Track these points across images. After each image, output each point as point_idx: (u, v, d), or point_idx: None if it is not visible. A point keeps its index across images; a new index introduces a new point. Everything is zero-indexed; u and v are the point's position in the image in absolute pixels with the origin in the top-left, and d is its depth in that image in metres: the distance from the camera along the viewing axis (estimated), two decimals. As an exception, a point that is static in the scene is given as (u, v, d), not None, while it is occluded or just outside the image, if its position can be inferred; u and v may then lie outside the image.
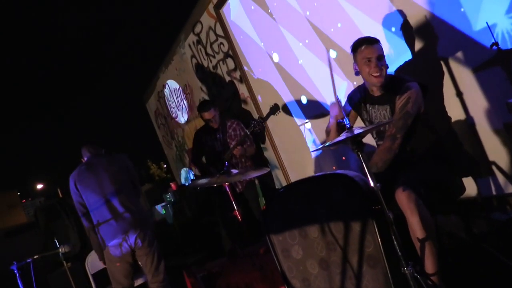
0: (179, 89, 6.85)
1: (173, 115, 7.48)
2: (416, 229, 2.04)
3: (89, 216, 3.52)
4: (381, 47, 2.45)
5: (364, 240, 1.77)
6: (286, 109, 4.34)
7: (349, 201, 1.86)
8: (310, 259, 2.00)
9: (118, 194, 3.50)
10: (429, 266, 2.06)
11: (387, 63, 2.47)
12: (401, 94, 2.36)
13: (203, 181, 3.12)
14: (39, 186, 46.80)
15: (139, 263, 3.60)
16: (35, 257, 3.46)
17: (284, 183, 4.72)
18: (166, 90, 7.35)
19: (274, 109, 4.25)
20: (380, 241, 1.75)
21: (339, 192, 1.88)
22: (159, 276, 3.57)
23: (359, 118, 2.77)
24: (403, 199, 2.05)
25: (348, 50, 2.83)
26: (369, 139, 2.97)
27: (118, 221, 3.43)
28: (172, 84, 7.04)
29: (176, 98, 7.10)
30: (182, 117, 7.10)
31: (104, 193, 3.48)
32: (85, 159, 3.69)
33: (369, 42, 2.44)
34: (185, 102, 6.80)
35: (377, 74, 2.41)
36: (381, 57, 2.42)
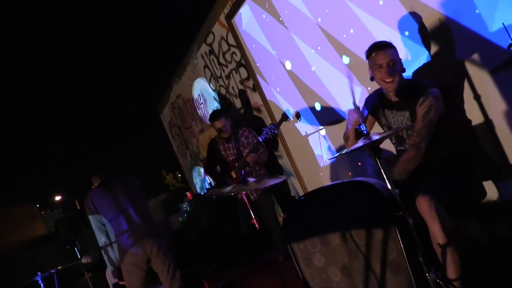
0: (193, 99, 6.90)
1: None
2: (438, 236, 2.02)
3: (105, 232, 3.65)
4: (394, 52, 2.43)
5: (387, 247, 1.76)
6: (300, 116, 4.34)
7: (370, 208, 1.85)
8: (332, 266, 1.99)
9: (133, 207, 3.68)
10: (452, 272, 2.04)
11: (403, 67, 2.46)
12: (423, 101, 2.33)
13: (220, 190, 3.13)
14: (57, 198, 47.43)
15: (156, 271, 3.69)
16: (59, 267, 3.55)
17: (300, 191, 4.71)
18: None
19: (286, 116, 4.26)
20: (403, 248, 1.74)
21: (360, 200, 1.88)
22: (175, 284, 3.66)
23: (376, 123, 2.75)
24: (424, 206, 2.03)
25: (362, 55, 2.83)
26: (385, 144, 2.95)
27: (134, 230, 3.57)
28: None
29: (189, 108, 7.16)
30: (197, 127, 7.15)
31: (120, 206, 3.65)
32: (97, 183, 3.84)
33: (380, 48, 2.43)
34: (198, 112, 6.84)
35: (388, 80, 2.40)
36: (393, 63, 2.39)
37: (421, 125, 2.32)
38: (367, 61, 2.53)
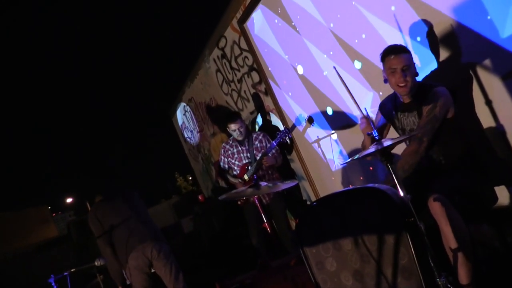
0: (204, 103, 6.96)
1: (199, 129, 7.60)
2: (450, 238, 2.02)
3: (109, 243, 3.80)
4: (409, 56, 2.46)
5: (398, 252, 1.78)
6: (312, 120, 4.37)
7: (382, 215, 1.87)
8: (344, 271, 2.02)
9: (133, 214, 3.85)
10: (463, 276, 2.03)
11: (416, 71, 2.49)
12: (429, 100, 2.37)
13: (232, 194, 3.16)
14: (69, 200, 47.88)
15: (159, 274, 3.79)
16: (72, 270, 3.62)
17: (312, 195, 4.73)
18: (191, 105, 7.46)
19: (298, 122, 4.30)
20: (414, 253, 1.76)
21: (372, 206, 1.90)
22: (179, 285, 3.74)
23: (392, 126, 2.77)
24: (436, 207, 2.04)
25: (373, 60, 2.85)
26: (397, 149, 2.96)
27: (135, 234, 3.72)
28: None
29: (201, 112, 7.22)
30: (209, 131, 7.20)
31: (121, 213, 3.83)
32: (99, 199, 4.06)
33: (395, 52, 2.45)
34: (210, 115, 6.89)
35: (401, 85, 2.44)
36: (407, 67, 2.42)
37: (425, 120, 2.35)
38: (382, 63, 2.55)
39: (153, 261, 3.69)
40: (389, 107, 2.70)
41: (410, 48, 2.97)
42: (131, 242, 3.67)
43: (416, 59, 2.98)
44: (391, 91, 2.67)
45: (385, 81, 2.56)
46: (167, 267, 3.70)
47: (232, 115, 4.43)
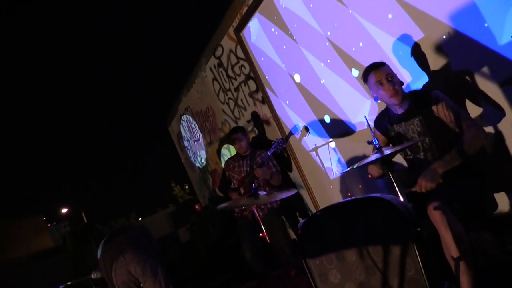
0: (201, 111, 6.95)
1: (196, 137, 7.58)
2: (450, 245, 2.01)
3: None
4: (389, 68, 2.56)
5: (405, 263, 1.76)
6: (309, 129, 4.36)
7: (387, 225, 1.85)
8: (349, 283, 1.99)
9: (125, 232, 3.85)
10: (465, 284, 2.02)
11: (400, 80, 2.55)
12: (436, 102, 2.40)
13: (230, 204, 3.15)
14: (64, 210, 47.48)
15: None
16: (68, 283, 3.58)
17: (310, 203, 4.70)
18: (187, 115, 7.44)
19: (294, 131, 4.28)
20: (421, 265, 1.74)
21: (377, 216, 1.88)
22: None
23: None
24: (436, 214, 2.03)
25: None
26: (397, 158, 2.96)
27: (122, 250, 3.67)
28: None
29: (198, 121, 7.20)
30: (205, 140, 7.18)
31: (117, 232, 3.85)
32: None
33: (375, 67, 2.56)
34: (207, 124, 6.88)
35: (392, 93, 2.49)
36: (391, 77, 2.51)
37: (454, 114, 2.37)
38: (366, 85, 2.65)
39: (139, 278, 3.63)
40: (383, 121, 2.74)
41: (407, 56, 2.99)
42: (118, 256, 3.64)
43: (414, 67, 2.98)
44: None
45: (375, 99, 2.63)
46: (156, 284, 3.63)
47: (235, 128, 4.48)
